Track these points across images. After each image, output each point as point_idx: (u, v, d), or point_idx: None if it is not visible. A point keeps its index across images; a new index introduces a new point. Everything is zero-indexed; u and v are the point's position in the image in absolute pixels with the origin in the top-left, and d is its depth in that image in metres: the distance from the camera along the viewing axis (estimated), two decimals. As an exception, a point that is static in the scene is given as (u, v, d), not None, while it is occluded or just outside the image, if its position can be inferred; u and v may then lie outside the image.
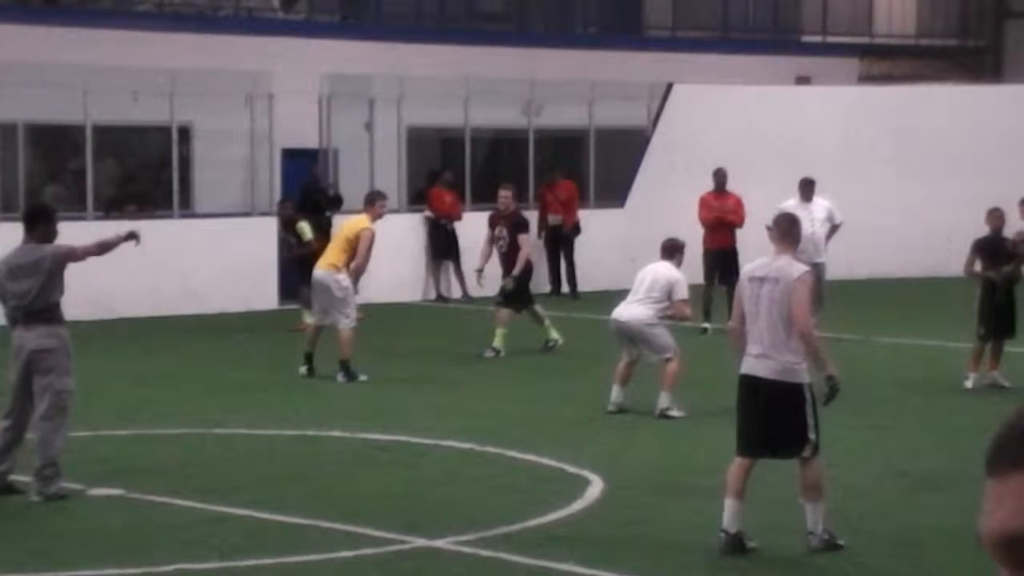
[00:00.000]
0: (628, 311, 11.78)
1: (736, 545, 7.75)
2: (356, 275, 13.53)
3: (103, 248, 9.17)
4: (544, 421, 11.69)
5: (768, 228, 8.55)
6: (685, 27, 24.82)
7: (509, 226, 15.22)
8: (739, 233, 17.23)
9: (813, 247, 16.63)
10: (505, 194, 15.56)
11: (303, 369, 13.48)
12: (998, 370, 13.02)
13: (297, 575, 7.67)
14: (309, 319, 16.16)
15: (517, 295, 15.07)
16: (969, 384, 12.89)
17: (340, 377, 13.32)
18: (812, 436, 7.80)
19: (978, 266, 12.99)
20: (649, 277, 11.82)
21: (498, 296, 15.27)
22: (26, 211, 9.43)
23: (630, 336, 11.77)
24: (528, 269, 15.43)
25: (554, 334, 15.26)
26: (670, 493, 9.10)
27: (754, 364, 7.82)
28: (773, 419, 7.81)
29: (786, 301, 7.74)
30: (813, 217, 16.70)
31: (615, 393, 11.85)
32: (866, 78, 26.00)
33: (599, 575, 7.59)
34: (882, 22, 27.06)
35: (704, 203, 17.53)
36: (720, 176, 17.80)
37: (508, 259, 15.13)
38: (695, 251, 15.61)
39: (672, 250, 11.95)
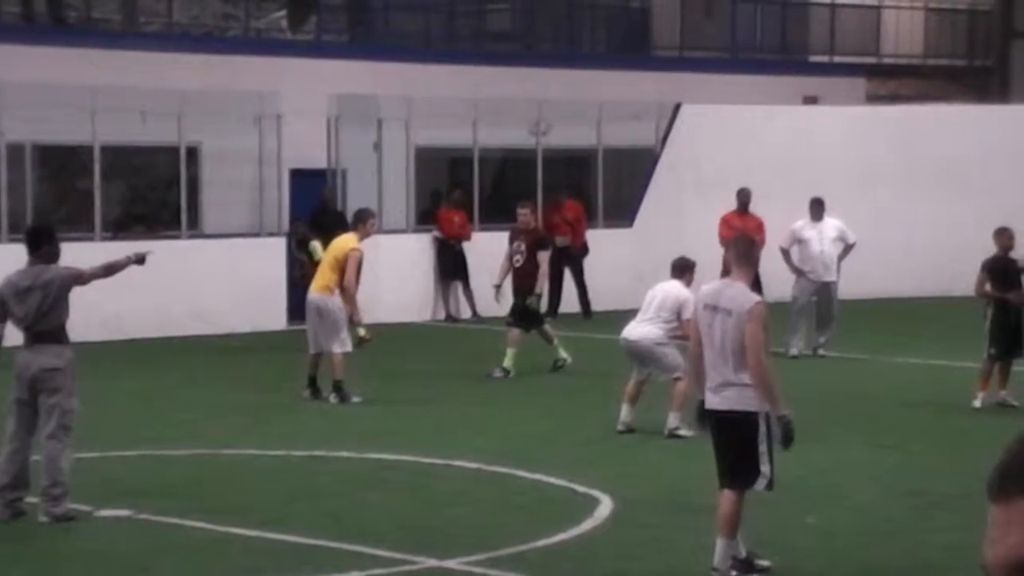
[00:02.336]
0: (638, 330, 11.77)
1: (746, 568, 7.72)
2: (347, 296, 13.34)
3: (110, 271, 9.18)
4: (553, 441, 11.67)
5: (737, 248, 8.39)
6: (693, 47, 24.86)
7: (529, 242, 15.19)
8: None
9: (823, 267, 16.63)
10: (523, 212, 15.54)
11: (307, 392, 13.47)
12: (1007, 390, 12.98)
13: (306, 595, 7.67)
14: (361, 331, 16.17)
15: (530, 314, 15.08)
16: (978, 404, 12.85)
17: (332, 398, 13.28)
18: (764, 469, 7.56)
19: (988, 286, 12.96)
20: (659, 296, 11.80)
21: (509, 316, 15.27)
22: (29, 232, 9.42)
23: (640, 356, 11.76)
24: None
25: (563, 353, 15.25)
26: (679, 512, 9.07)
27: (710, 397, 7.67)
28: (726, 450, 7.64)
29: (739, 335, 7.49)
30: (823, 236, 16.69)
31: (624, 412, 11.83)
32: (873, 98, 26.02)
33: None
34: (889, 42, 27.10)
35: (726, 222, 17.53)
36: (744, 196, 17.83)
37: (520, 275, 15.10)
38: (707, 270, 15.55)
39: (683, 269, 11.92)
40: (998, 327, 12.84)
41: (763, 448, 7.57)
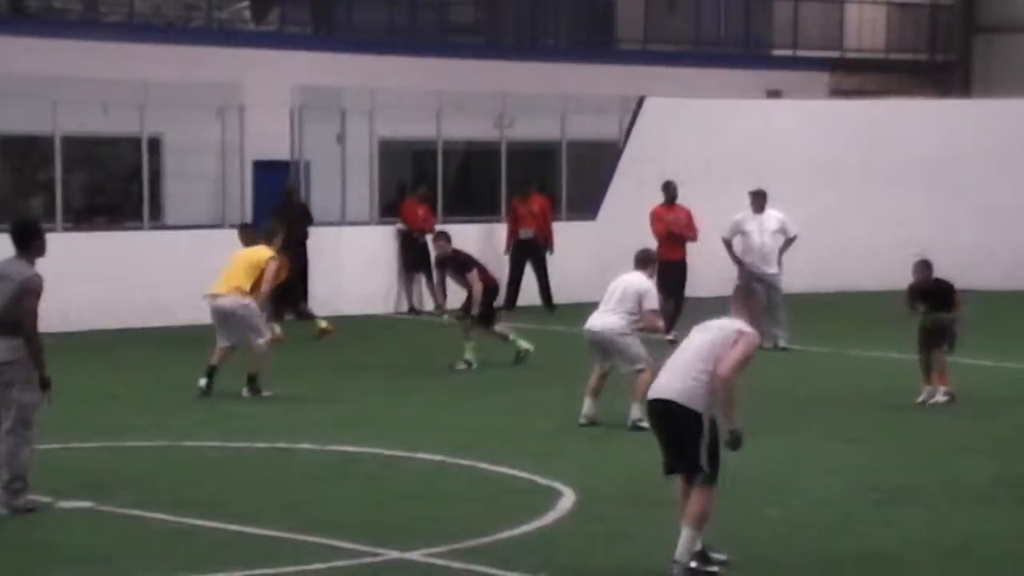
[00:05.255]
0: (600, 320, 11.81)
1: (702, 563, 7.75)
2: (263, 302, 13.50)
3: (35, 349, 8.82)
4: (516, 433, 11.69)
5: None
6: (656, 40, 24.92)
7: (453, 269, 15.21)
8: (693, 245, 17.39)
9: (762, 258, 16.75)
10: (437, 243, 15.49)
11: (203, 382, 13.19)
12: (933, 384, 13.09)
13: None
14: (322, 323, 16.21)
15: (484, 317, 15.09)
16: (922, 398, 13.04)
17: (245, 391, 13.17)
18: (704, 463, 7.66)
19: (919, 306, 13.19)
20: (620, 287, 11.86)
21: (460, 311, 15.28)
22: (17, 227, 9.29)
23: (603, 346, 11.80)
24: (492, 292, 15.41)
25: (523, 344, 15.27)
26: (642, 505, 9.11)
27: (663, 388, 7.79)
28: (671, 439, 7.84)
29: (721, 349, 7.62)
30: (763, 228, 16.82)
31: (587, 406, 11.86)
32: (836, 92, 26.16)
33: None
34: (852, 36, 27.25)
35: (655, 216, 17.65)
36: (671, 188, 17.92)
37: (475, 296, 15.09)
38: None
39: (645, 261, 12.05)
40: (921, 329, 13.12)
41: (703, 446, 7.65)
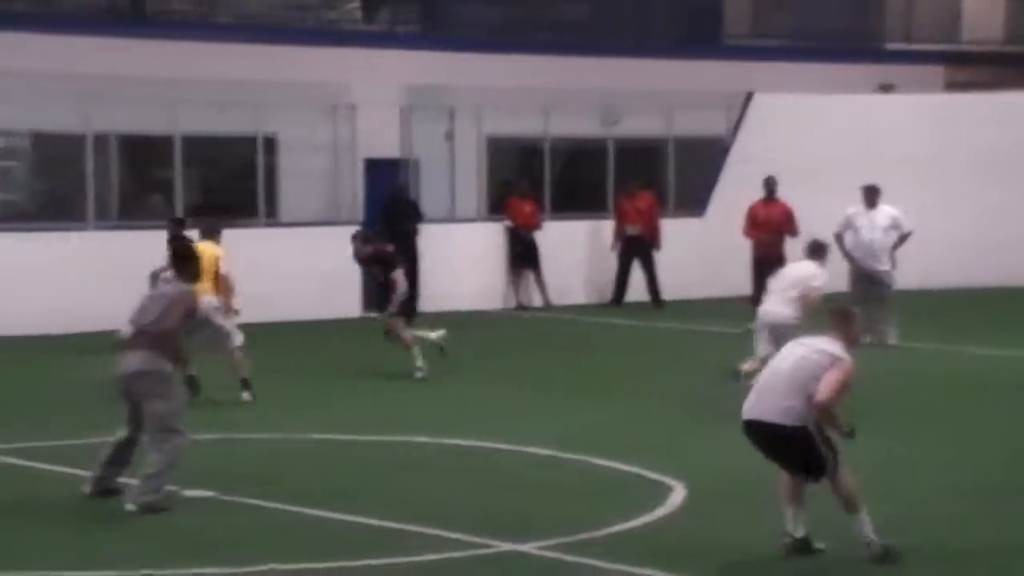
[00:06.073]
0: (775, 308, 12.15)
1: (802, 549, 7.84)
2: (229, 291, 13.23)
3: (177, 357, 9.16)
4: (626, 428, 11.78)
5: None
6: (764, 35, 24.77)
7: (380, 268, 14.81)
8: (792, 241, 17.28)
9: (871, 254, 16.58)
10: (353, 244, 14.89)
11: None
12: None
13: (385, 577, 7.82)
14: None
15: (405, 313, 14.75)
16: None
17: (246, 396, 13.02)
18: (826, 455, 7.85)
19: None
20: (792, 275, 12.41)
21: (389, 313, 14.59)
22: (179, 251, 9.64)
23: (778, 333, 11.73)
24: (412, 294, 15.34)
25: (432, 336, 14.72)
26: (751, 502, 9.09)
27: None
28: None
29: (817, 371, 7.75)
30: (874, 224, 16.64)
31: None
32: (951, 85, 25.76)
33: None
34: (968, 28, 26.78)
35: (750, 213, 17.66)
36: (770, 183, 17.91)
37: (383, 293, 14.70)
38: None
39: (815, 250, 12.62)
40: None
41: (818, 449, 7.76)
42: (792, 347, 8.00)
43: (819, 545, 7.92)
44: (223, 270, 13.11)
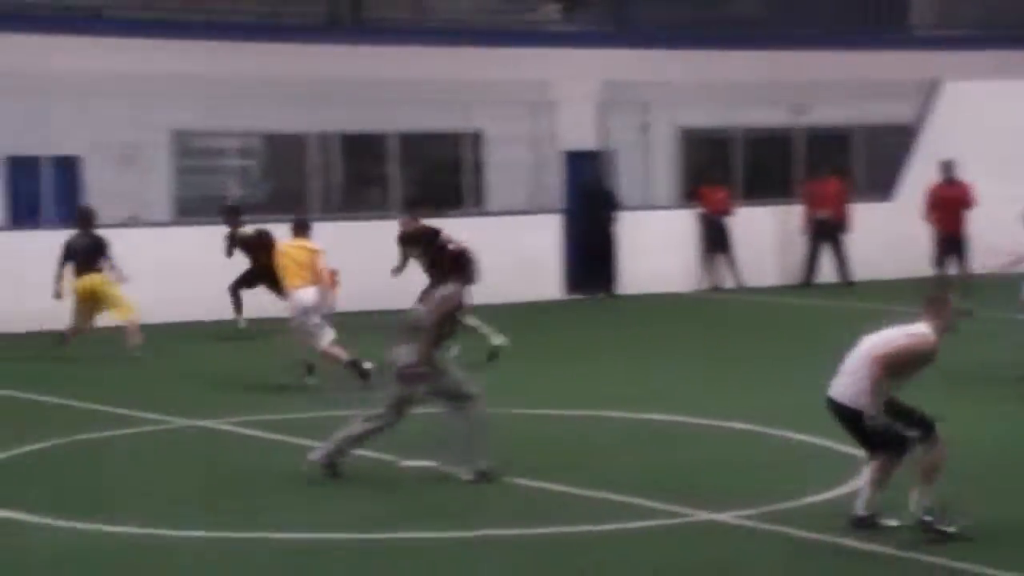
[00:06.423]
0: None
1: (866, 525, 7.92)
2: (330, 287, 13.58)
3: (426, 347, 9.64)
4: (819, 404, 12.34)
5: None
6: (951, 24, 24.97)
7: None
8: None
9: None
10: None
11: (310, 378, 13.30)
12: None
13: (592, 543, 8.11)
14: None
15: None
16: None
17: (310, 379, 13.26)
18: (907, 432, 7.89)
19: None
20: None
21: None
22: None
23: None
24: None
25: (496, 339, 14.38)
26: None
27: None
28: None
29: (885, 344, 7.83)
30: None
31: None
32: None
33: (878, 550, 7.75)
34: None
35: (932, 193, 18.29)
36: (948, 167, 18.45)
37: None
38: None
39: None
40: None
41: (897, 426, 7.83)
42: (884, 330, 7.98)
43: (890, 522, 7.90)
44: (320, 266, 13.25)
